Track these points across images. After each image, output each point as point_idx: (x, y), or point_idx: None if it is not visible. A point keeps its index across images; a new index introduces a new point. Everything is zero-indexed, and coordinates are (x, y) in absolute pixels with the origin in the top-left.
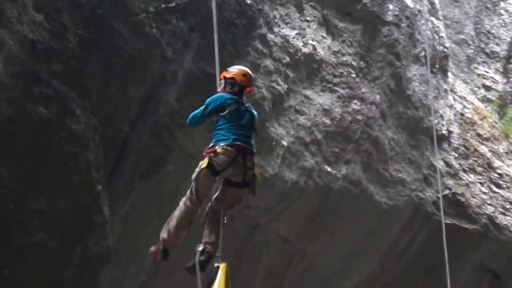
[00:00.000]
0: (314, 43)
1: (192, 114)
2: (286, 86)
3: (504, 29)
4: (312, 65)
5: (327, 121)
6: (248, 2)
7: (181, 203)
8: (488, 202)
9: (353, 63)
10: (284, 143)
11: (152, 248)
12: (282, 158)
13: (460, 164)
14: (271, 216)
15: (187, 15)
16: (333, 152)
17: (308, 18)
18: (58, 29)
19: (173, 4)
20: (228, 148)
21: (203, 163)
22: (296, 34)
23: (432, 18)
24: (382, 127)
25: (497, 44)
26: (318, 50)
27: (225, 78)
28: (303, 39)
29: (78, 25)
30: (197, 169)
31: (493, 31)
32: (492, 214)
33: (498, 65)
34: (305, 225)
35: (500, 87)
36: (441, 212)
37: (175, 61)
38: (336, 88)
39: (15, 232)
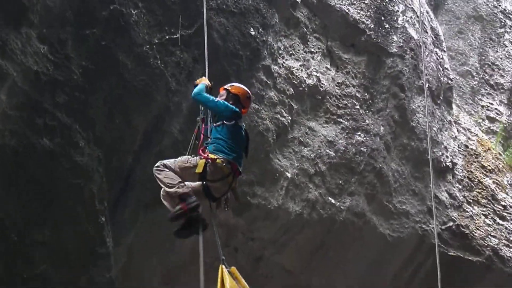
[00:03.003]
0: (318, 74)
1: (203, 95)
2: (290, 117)
3: (509, 60)
4: (316, 96)
5: (331, 153)
6: (252, 33)
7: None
8: (492, 234)
9: (357, 94)
10: (288, 174)
11: (178, 208)
12: (286, 190)
13: (464, 196)
14: (275, 248)
15: (191, 47)
16: (337, 184)
17: (312, 50)
18: (62, 60)
19: (177, 36)
20: (227, 165)
21: (198, 167)
22: (300, 65)
23: (437, 50)
24: (386, 159)
25: (502, 76)
26: (322, 82)
27: (228, 91)
28: (307, 71)
29: (82, 56)
30: (186, 163)
31: (498, 63)
32: (496, 246)
33: (503, 96)
34: (309, 257)
35: (504, 118)
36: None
37: (179, 92)
38: (340, 119)
39: (19, 263)
